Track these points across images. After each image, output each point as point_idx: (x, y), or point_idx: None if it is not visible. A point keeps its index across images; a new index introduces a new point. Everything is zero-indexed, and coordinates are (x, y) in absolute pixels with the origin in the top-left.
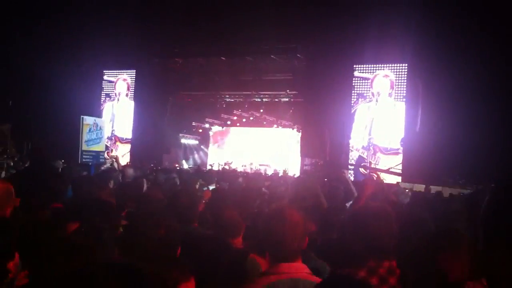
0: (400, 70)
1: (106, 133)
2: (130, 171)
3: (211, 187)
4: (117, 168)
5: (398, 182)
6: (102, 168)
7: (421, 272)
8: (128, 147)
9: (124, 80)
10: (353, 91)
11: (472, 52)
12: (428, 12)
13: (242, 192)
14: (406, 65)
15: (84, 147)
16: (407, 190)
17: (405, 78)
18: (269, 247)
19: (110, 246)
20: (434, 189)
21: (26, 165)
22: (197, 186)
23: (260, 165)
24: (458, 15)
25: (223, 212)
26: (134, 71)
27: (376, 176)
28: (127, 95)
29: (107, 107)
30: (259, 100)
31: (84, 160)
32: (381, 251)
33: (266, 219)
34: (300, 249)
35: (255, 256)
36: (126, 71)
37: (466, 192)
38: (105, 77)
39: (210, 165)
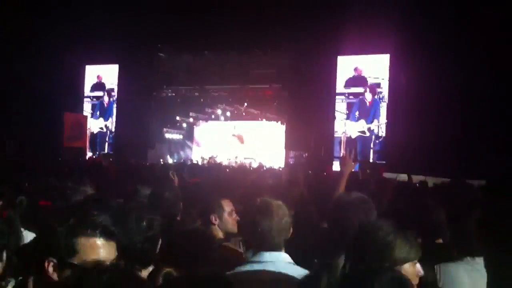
0: (384, 61)
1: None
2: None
3: None
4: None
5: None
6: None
7: None
8: None
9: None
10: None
11: (457, 42)
12: (413, 2)
13: (226, 183)
14: (389, 55)
15: (66, 143)
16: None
17: (388, 68)
18: (255, 239)
19: None
20: (417, 178)
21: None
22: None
23: (245, 158)
24: (444, 5)
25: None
26: (117, 65)
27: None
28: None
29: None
30: (243, 93)
31: (65, 157)
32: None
33: (252, 211)
34: (285, 240)
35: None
36: (108, 66)
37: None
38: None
39: (197, 160)
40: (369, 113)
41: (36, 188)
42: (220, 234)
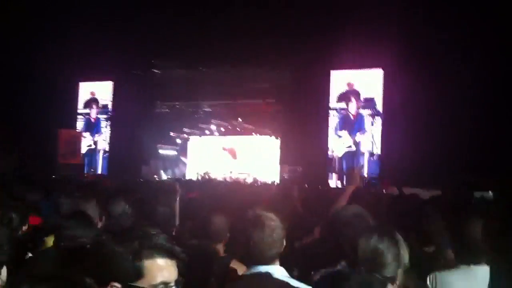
0: (377, 75)
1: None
2: (108, 183)
3: None
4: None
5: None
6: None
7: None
8: None
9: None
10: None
11: (450, 55)
12: (406, 14)
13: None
14: (382, 70)
15: (61, 160)
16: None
17: (382, 83)
18: (248, 252)
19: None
20: (413, 191)
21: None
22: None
23: (239, 173)
24: (438, 17)
25: (211, 219)
26: (112, 82)
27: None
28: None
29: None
30: (236, 109)
31: (61, 173)
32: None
33: (244, 224)
34: (278, 253)
35: (236, 262)
36: (102, 82)
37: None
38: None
39: (190, 178)
40: (353, 127)
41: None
42: (221, 251)
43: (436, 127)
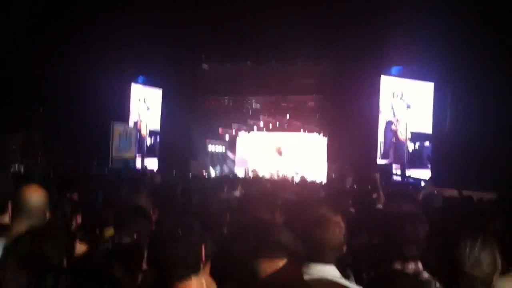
0: (427, 88)
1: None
2: (158, 178)
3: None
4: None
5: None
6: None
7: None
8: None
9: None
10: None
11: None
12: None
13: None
14: (433, 83)
15: (115, 153)
16: (435, 192)
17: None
18: (307, 248)
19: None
20: (465, 193)
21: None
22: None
23: (287, 172)
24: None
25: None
26: (161, 84)
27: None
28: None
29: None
30: (285, 104)
31: (114, 166)
32: (407, 253)
33: (308, 221)
34: (337, 254)
35: None
36: (153, 89)
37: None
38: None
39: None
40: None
41: None
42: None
43: (495, 126)
